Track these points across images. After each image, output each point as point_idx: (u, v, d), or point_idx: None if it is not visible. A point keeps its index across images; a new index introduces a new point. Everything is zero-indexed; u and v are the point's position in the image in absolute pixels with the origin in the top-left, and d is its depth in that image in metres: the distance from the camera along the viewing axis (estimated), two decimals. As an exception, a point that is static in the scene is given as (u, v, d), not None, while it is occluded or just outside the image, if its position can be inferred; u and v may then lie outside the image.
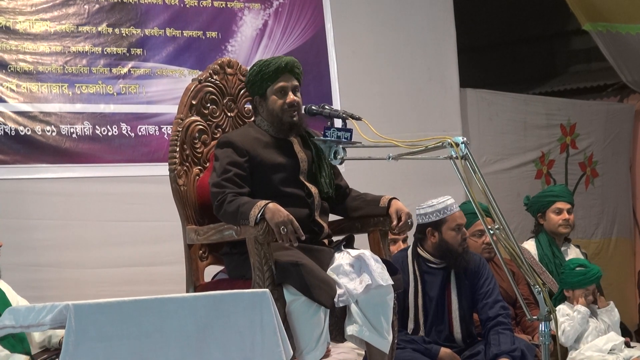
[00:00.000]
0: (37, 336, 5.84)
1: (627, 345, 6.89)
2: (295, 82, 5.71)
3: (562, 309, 6.91)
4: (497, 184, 8.57)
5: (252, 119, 5.91)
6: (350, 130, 5.28)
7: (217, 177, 5.51)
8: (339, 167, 5.78)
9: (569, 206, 7.69)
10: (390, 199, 5.77)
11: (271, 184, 5.55)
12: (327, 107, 5.60)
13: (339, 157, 5.16)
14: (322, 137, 5.22)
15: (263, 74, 5.69)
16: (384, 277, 5.50)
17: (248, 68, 6.16)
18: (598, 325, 6.93)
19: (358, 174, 7.25)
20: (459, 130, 8.76)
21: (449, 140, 4.88)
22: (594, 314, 6.96)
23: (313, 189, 5.70)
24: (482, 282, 6.55)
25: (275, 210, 5.23)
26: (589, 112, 10.21)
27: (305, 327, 5.33)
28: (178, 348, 4.65)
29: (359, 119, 5.40)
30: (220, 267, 5.99)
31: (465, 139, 4.90)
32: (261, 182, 5.55)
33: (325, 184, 5.78)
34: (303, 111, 5.68)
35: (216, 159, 5.60)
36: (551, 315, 4.83)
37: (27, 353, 5.74)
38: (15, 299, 5.90)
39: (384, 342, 5.57)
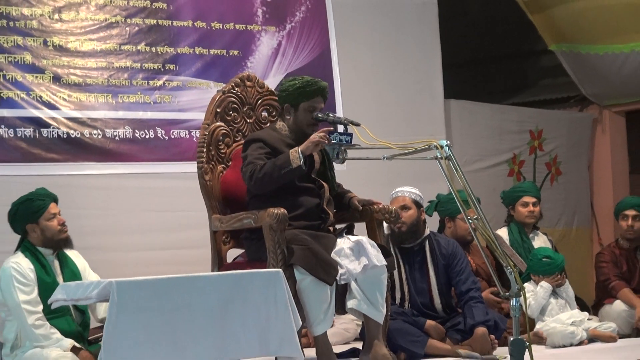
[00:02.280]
0: (101, 312, 5.84)
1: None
2: (322, 105, 5.71)
3: (527, 286, 6.91)
4: (476, 181, 8.55)
5: (275, 122, 5.90)
6: (350, 135, 5.28)
7: (247, 159, 5.54)
8: (342, 165, 5.78)
9: (534, 200, 7.68)
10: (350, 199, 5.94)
11: None
12: (330, 114, 5.60)
13: (341, 157, 5.16)
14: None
15: (303, 90, 5.65)
16: (379, 259, 5.53)
17: (265, 81, 6.20)
18: (559, 301, 6.94)
19: (358, 172, 7.28)
20: (443, 135, 8.76)
21: (435, 144, 4.88)
22: (555, 293, 6.96)
23: (324, 184, 5.72)
24: (456, 262, 6.57)
25: (302, 148, 5.37)
26: (554, 120, 10.20)
27: (314, 302, 5.35)
28: (204, 319, 4.66)
29: (358, 124, 5.40)
30: (241, 250, 6.00)
31: (448, 142, 4.90)
32: None
33: (335, 183, 5.83)
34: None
35: (245, 151, 5.60)
36: (521, 292, 4.83)
37: (81, 332, 5.74)
38: (86, 277, 5.91)
39: (379, 314, 5.60)
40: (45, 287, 5.54)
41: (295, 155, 5.34)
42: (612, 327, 6.94)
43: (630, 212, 7.54)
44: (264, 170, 5.41)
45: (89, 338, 5.69)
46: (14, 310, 5.53)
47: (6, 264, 5.63)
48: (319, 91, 5.68)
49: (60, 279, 5.71)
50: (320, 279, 5.28)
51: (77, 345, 5.56)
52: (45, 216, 5.73)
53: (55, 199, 5.84)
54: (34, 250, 5.70)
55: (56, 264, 5.77)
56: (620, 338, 7.03)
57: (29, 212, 5.72)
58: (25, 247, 5.72)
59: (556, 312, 6.86)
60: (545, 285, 6.88)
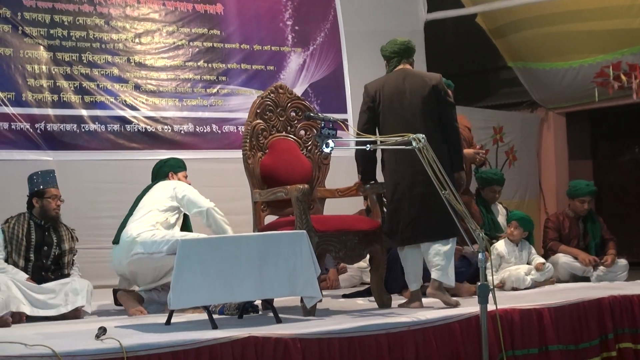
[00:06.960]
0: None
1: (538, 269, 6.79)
2: None
3: (500, 244, 6.81)
4: (452, 165, 8.48)
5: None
6: (335, 130, 5.08)
7: None
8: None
9: (500, 188, 7.66)
10: None
11: None
12: (320, 114, 5.42)
13: (330, 147, 4.93)
14: (318, 134, 5.03)
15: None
16: None
17: (293, 89, 6.14)
18: (521, 255, 6.85)
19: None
20: (427, 130, 8.72)
21: (413, 136, 4.71)
22: (519, 249, 6.87)
23: None
24: None
25: None
26: (512, 119, 10.15)
27: None
28: (247, 268, 4.64)
29: (335, 121, 5.15)
30: (274, 217, 5.97)
31: (423, 136, 4.70)
32: None
33: None
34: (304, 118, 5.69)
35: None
36: (486, 248, 4.72)
37: None
38: None
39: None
40: None
41: None
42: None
43: (587, 199, 7.43)
44: None
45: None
46: None
47: None
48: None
49: None
50: None
51: None
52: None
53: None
54: None
55: None
56: (561, 283, 7.00)
57: (178, 165, 5.97)
58: None
59: (516, 263, 6.77)
60: (500, 250, 6.79)
